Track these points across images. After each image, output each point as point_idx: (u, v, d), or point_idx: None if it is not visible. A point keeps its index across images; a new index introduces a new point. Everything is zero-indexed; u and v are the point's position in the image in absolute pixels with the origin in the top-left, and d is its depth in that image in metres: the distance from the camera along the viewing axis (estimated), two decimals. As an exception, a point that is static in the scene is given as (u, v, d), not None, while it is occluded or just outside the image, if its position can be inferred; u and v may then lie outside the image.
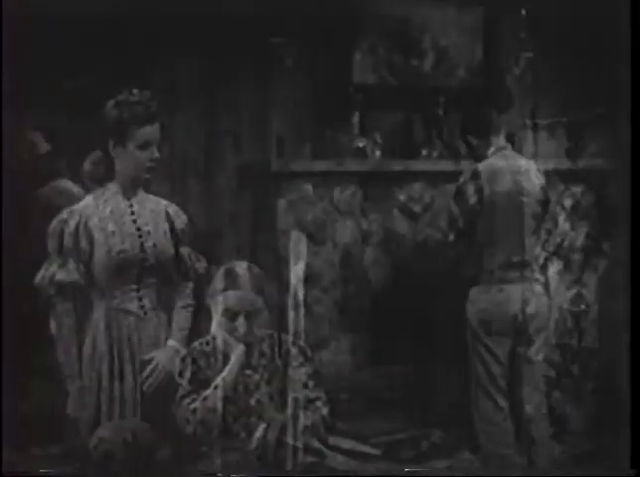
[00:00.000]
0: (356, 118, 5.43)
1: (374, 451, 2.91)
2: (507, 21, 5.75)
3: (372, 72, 5.45)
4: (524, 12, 5.62)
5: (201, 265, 3.63)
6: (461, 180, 4.40)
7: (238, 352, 3.12)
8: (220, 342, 3.16)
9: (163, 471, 2.78)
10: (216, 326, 3.17)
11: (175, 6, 4.89)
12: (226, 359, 3.16)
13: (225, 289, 3.14)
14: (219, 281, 3.18)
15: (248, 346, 3.15)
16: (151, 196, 3.57)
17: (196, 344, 3.23)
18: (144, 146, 3.38)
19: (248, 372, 3.16)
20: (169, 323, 3.54)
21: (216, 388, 3.09)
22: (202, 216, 5.07)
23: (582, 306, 5.78)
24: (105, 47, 4.65)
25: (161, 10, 4.83)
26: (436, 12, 5.60)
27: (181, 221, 3.58)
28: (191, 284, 3.62)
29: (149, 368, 3.42)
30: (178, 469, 2.80)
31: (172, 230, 3.54)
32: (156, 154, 3.41)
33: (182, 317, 3.56)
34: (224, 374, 3.11)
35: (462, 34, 5.68)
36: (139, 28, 4.75)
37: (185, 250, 3.58)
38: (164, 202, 3.60)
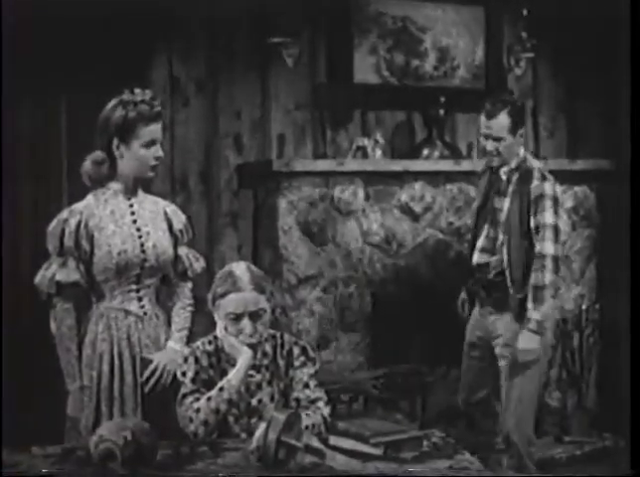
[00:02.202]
0: (357, 118, 5.43)
1: (374, 451, 2.89)
2: (508, 21, 5.75)
3: (373, 71, 5.45)
4: (525, 12, 5.62)
5: (199, 265, 3.63)
6: (538, 172, 4.34)
7: (245, 356, 3.11)
8: (226, 346, 3.15)
9: (163, 470, 2.78)
10: (221, 330, 3.16)
11: (175, 6, 4.89)
12: (230, 360, 3.15)
13: (226, 293, 3.12)
14: (218, 286, 3.16)
15: (254, 346, 3.14)
16: (150, 196, 3.57)
17: (198, 343, 3.22)
18: (149, 145, 3.38)
19: (251, 372, 3.16)
20: (169, 323, 3.55)
21: (221, 390, 3.08)
22: (203, 215, 5.07)
23: (584, 306, 5.77)
24: (106, 47, 4.65)
25: (162, 10, 4.83)
26: (437, 12, 5.60)
27: (179, 220, 3.58)
28: (189, 284, 3.62)
29: (150, 369, 3.42)
30: (178, 469, 2.79)
31: (170, 230, 3.54)
32: (160, 152, 3.42)
33: (181, 317, 3.56)
34: (229, 376, 3.10)
35: (463, 34, 5.67)
36: (139, 28, 4.75)
37: (183, 251, 3.58)
38: (163, 202, 3.60)
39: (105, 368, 3.41)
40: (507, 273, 4.25)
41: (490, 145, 4.31)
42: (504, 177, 4.33)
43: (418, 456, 2.90)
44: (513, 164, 4.32)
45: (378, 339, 5.28)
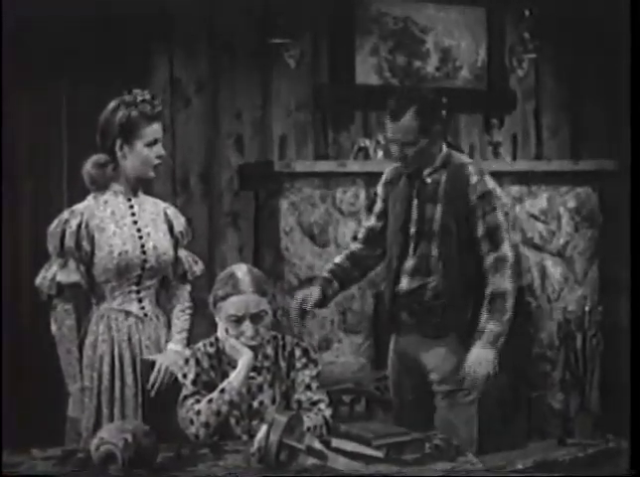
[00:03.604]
0: (358, 119, 5.42)
1: (376, 453, 2.88)
2: (510, 22, 5.74)
3: (374, 72, 5.44)
4: (527, 13, 5.62)
5: (198, 268, 3.63)
6: (473, 166, 3.67)
7: (246, 358, 3.11)
8: (227, 348, 3.15)
9: (163, 473, 2.77)
10: (222, 332, 3.15)
11: (177, 6, 4.89)
12: (231, 362, 3.14)
13: (227, 295, 3.12)
14: (220, 288, 3.15)
15: (255, 348, 3.13)
16: (150, 197, 3.58)
17: (200, 345, 3.21)
18: (151, 144, 3.40)
19: (252, 374, 3.15)
20: (169, 325, 3.55)
21: (222, 391, 3.08)
22: (204, 216, 5.06)
23: (587, 308, 5.76)
24: (107, 47, 4.65)
25: (163, 10, 4.83)
26: (440, 13, 5.59)
27: (179, 222, 3.58)
28: (188, 287, 3.62)
29: (154, 373, 3.41)
30: (178, 471, 2.78)
31: (171, 231, 3.54)
32: (162, 151, 3.44)
33: (180, 320, 3.57)
34: (230, 378, 3.10)
35: (465, 35, 5.66)
36: (140, 28, 4.75)
37: (183, 253, 3.59)
38: (162, 203, 3.60)
39: (106, 369, 3.40)
40: (447, 295, 3.58)
41: (398, 151, 3.58)
42: (429, 180, 3.60)
43: (420, 458, 2.89)
44: (437, 162, 3.61)
45: (380, 340, 5.26)
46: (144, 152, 3.39)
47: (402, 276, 3.64)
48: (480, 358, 3.48)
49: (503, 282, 3.51)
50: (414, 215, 3.62)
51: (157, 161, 3.43)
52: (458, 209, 3.55)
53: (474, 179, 3.56)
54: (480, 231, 3.54)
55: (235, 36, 5.13)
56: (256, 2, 5.11)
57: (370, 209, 3.90)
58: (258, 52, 5.16)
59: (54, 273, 3.37)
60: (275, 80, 5.24)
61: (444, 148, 3.64)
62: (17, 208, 4.67)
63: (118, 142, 3.39)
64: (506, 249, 3.53)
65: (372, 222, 3.81)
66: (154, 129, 3.40)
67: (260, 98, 5.22)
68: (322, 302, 3.73)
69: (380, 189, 3.79)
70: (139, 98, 3.38)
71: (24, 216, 4.69)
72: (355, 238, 3.85)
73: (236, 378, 3.10)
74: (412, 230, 3.62)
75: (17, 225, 4.66)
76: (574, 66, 5.92)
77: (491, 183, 3.57)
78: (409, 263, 3.62)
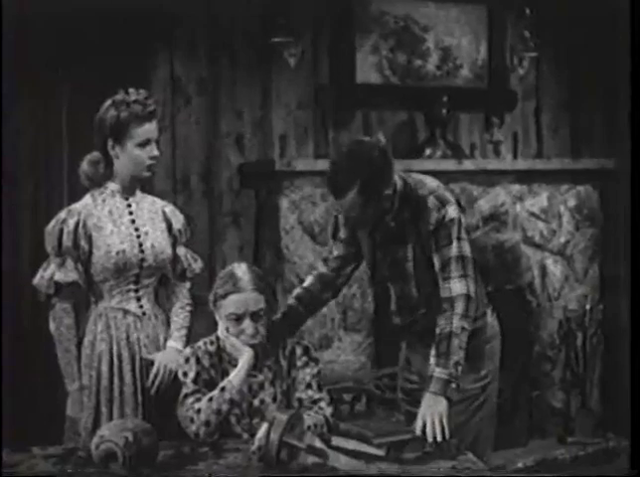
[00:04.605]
0: (359, 118, 5.42)
1: (377, 452, 2.89)
2: (511, 20, 5.74)
3: (375, 71, 5.44)
4: (528, 11, 5.62)
5: (197, 266, 3.62)
6: (433, 196, 3.37)
7: (246, 356, 3.12)
8: (228, 346, 3.15)
9: (164, 471, 2.77)
10: (222, 330, 3.16)
11: (177, 6, 4.89)
12: (232, 360, 3.15)
13: (227, 294, 3.13)
14: (220, 286, 3.16)
15: (256, 347, 3.14)
16: (148, 196, 3.57)
17: (200, 343, 3.22)
18: (143, 144, 3.37)
19: (253, 372, 3.16)
20: (167, 323, 3.55)
21: (222, 390, 3.08)
22: (204, 215, 5.06)
23: (587, 306, 5.76)
24: (107, 46, 4.65)
25: (163, 10, 4.83)
26: (440, 11, 5.59)
27: (178, 220, 3.57)
28: (188, 284, 3.61)
29: (153, 371, 3.41)
30: (179, 469, 2.78)
31: (169, 230, 3.53)
32: (155, 152, 3.41)
33: (180, 317, 3.56)
34: (231, 377, 3.10)
35: (466, 33, 5.67)
36: (141, 28, 4.75)
37: (181, 251, 3.58)
38: (160, 202, 3.60)
39: (104, 368, 3.40)
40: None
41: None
42: (392, 223, 3.38)
43: (421, 457, 2.90)
44: (395, 206, 3.35)
45: (380, 339, 5.27)
46: (135, 152, 3.37)
47: (390, 314, 3.54)
48: (428, 406, 3.11)
49: (448, 323, 3.21)
50: (381, 255, 3.45)
51: (150, 162, 3.40)
52: (424, 247, 3.34)
53: (433, 214, 3.30)
54: (437, 266, 3.30)
55: (235, 35, 5.13)
56: (256, 2, 5.11)
57: (334, 235, 3.64)
58: (259, 51, 5.16)
59: (52, 273, 3.37)
60: (276, 80, 5.24)
61: (398, 182, 3.38)
62: (17, 208, 4.67)
63: (110, 142, 3.38)
64: (454, 287, 3.25)
65: (340, 250, 3.57)
66: (146, 130, 3.37)
67: (261, 97, 5.22)
68: (289, 331, 3.44)
69: (341, 217, 3.54)
70: (130, 99, 3.35)
71: (24, 216, 4.69)
72: (325, 262, 3.59)
73: (236, 376, 3.10)
74: (385, 273, 3.48)
75: (17, 225, 4.67)
76: (575, 64, 5.92)
77: (453, 213, 3.30)
78: (393, 304, 3.51)
